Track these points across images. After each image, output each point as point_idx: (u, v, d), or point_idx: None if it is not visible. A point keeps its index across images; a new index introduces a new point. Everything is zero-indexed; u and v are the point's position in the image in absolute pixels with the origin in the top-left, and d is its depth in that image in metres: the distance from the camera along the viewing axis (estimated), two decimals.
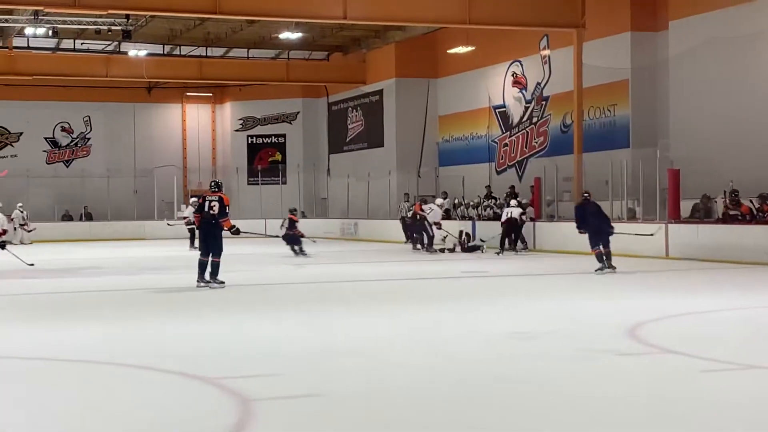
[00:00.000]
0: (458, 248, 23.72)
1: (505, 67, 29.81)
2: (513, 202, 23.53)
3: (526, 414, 6.04)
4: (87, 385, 7.16)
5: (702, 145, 21.90)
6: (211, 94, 40.83)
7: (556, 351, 8.30)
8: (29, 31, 28.31)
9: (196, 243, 24.87)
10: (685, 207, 20.70)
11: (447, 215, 26.81)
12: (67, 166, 39.07)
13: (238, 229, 14.74)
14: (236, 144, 40.47)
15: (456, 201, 28.14)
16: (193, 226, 25.63)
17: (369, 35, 33.52)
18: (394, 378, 7.21)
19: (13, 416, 6.13)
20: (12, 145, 38.38)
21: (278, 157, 39.98)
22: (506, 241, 22.55)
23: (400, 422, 5.84)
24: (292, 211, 24.17)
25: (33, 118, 38.11)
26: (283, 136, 40.05)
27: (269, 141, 40.20)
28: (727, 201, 19.41)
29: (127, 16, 26.89)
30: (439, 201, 25.16)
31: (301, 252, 22.71)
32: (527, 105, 28.86)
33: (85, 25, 28.19)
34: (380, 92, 34.72)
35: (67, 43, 33.34)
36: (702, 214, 20.43)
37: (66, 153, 39.23)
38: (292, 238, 22.92)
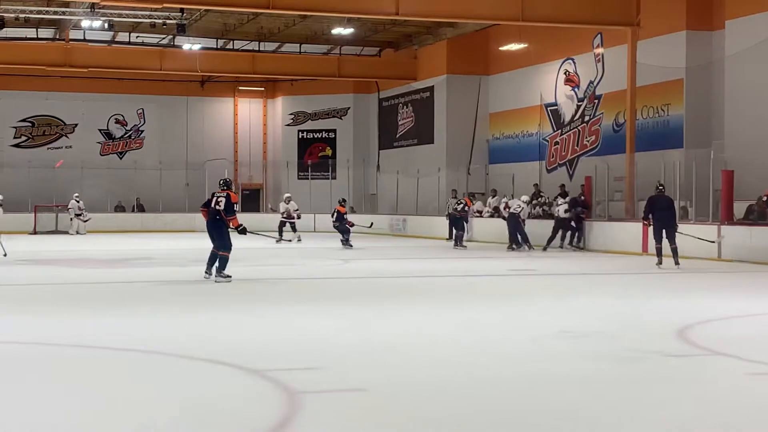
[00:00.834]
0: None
1: (557, 64, 29.62)
2: (560, 200, 23.54)
3: (570, 414, 6.01)
4: (139, 375, 7.26)
5: (757, 146, 21.57)
6: (263, 89, 41.08)
7: (603, 351, 8.25)
8: (85, 24, 28.73)
9: (286, 235, 25.42)
10: (739, 208, 20.42)
11: (496, 212, 26.78)
12: (121, 158, 39.56)
13: (244, 228, 14.83)
14: (287, 138, 40.66)
15: (505, 199, 28.01)
16: (285, 220, 26.10)
17: (421, 31, 33.49)
18: (438, 374, 7.21)
19: (75, 404, 6.24)
20: (67, 137, 38.95)
21: (328, 152, 40.11)
22: (557, 238, 22.81)
23: (443, 418, 5.85)
24: (341, 202, 24.36)
25: (88, 110, 38.65)
26: (334, 131, 40.18)
27: (320, 136, 40.35)
28: None
29: (182, 10, 27.17)
30: (524, 197, 24.51)
31: (347, 243, 22.93)
32: (579, 103, 28.66)
33: (140, 18, 28.51)
34: (431, 89, 34.68)
35: (122, 37, 33.74)
36: (756, 216, 20.13)
37: (120, 145, 39.71)
38: (342, 229, 23.30)
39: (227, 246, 14.36)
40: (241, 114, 41.26)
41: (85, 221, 32.61)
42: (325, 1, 23.22)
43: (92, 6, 26.42)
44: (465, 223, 24.92)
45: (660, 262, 17.06)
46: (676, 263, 17.06)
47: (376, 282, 15.43)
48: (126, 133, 39.76)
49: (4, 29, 28.54)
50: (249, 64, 35.17)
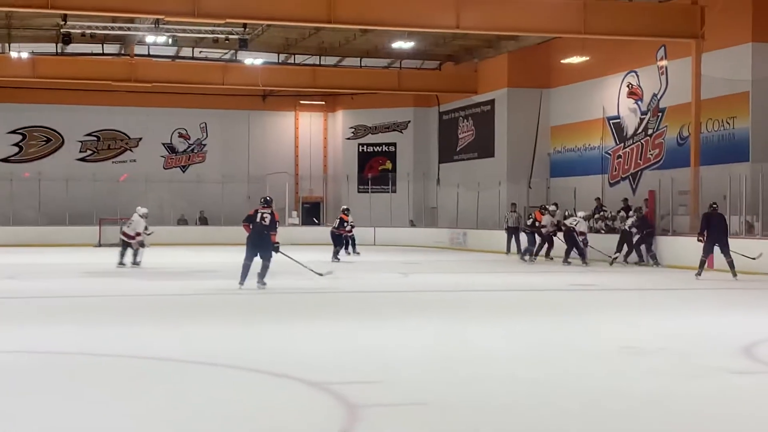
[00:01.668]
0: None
1: (620, 77, 29.34)
2: (623, 214, 23.39)
3: (632, 431, 5.92)
4: (201, 386, 7.31)
5: None
6: (323, 103, 41.28)
7: (667, 367, 8.11)
8: (150, 39, 29.15)
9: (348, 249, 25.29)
10: None
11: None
12: (184, 172, 40.01)
13: (278, 247, 15.50)
14: (347, 152, 40.81)
15: (567, 212, 27.80)
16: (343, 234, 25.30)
17: (481, 45, 33.41)
18: (499, 390, 7.16)
19: (134, 412, 6.31)
20: (131, 150, 39.52)
21: (388, 165, 40.16)
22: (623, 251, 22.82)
23: None
24: (344, 211, 24.22)
25: (152, 124, 39.20)
26: (394, 144, 40.22)
27: (380, 149, 40.42)
28: None
29: (244, 26, 27.40)
30: (582, 213, 24.33)
31: (335, 256, 22.89)
32: (642, 116, 28.35)
33: (203, 33, 28.84)
34: (492, 102, 34.57)
35: (185, 52, 34.19)
36: None
37: (183, 159, 40.19)
38: (337, 238, 22.95)
39: (271, 256, 15.34)
40: (302, 128, 41.52)
41: (149, 234, 32.94)
42: (385, 14, 23.26)
43: (156, 22, 26.78)
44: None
45: (699, 274, 18.00)
46: (734, 275, 17.83)
47: (435, 296, 15.38)
48: (189, 147, 40.22)
49: (71, 45, 29.05)
50: (310, 79, 35.37)
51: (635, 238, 22.63)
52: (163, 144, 39.86)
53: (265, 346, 9.39)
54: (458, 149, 37.19)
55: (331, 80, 35.92)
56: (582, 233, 23.13)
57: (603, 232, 25.69)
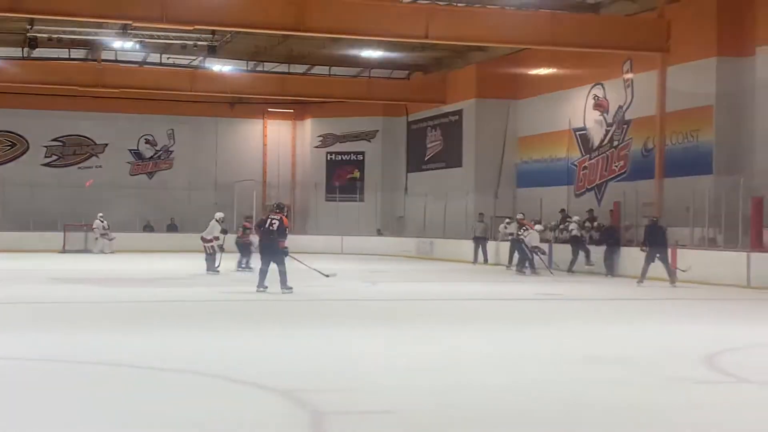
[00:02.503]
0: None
1: (586, 89, 29.56)
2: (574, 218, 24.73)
3: None
4: (164, 393, 7.29)
5: None
6: (292, 111, 41.22)
7: (630, 377, 8.20)
8: (117, 44, 28.99)
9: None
10: None
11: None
12: (150, 178, 39.80)
13: (287, 252, 15.80)
14: (315, 160, 40.79)
15: (507, 221, 28.07)
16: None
17: (450, 55, 33.57)
18: (464, 397, 7.20)
19: (95, 419, 6.28)
20: (97, 156, 39.23)
21: (356, 174, 40.17)
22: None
23: None
24: (247, 218, 23.94)
25: (118, 130, 38.93)
26: (362, 153, 40.25)
27: (348, 158, 40.44)
28: None
29: (213, 32, 27.40)
30: (538, 227, 24.51)
31: (246, 266, 22.02)
32: (608, 128, 28.57)
33: (171, 40, 28.78)
34: (460, 112, 34.71)
35: (153, 58, 34.04)
36: None
37: (149, 165, 39.98)
38: (242, 247, 22.44)
39: (283, 260, 15.61)
40: (270, 135, 41.41)
41: (110, 240, 32.78)
42: (355, 23, 23.29)
43: (124, 27, 26.70)
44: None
45: (641, 281, 19.36)
46: (672, 282, 19.23)
47: (403, 305, 15.43)
48: (156, 154, 40.01)
49: (37, 50, 28.87)
50: (279, 86, 35.34)
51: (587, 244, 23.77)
52: (130, 150, 39.62)
53: (229, 353, 9.36)
54: (426, 159, 37.29)
55: (300, 88, 35.90)
56: (536, 247, 23.32)
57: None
